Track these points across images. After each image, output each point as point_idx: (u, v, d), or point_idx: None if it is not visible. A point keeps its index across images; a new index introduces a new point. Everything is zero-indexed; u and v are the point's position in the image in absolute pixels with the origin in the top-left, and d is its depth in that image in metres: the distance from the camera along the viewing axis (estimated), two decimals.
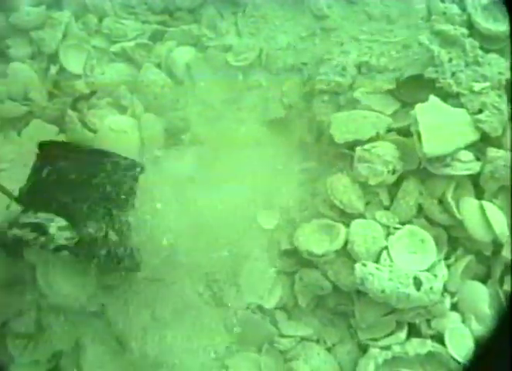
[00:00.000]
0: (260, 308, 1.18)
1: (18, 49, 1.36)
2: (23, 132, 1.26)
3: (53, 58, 1.38)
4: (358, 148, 1.20)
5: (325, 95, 1.30)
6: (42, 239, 1.15)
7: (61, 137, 1.29)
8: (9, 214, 1.17)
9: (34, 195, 1.16)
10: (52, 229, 1.16)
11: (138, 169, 1.20)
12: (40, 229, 1.15)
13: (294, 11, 1.39)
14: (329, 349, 1.19)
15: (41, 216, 1.16)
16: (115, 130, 1.28)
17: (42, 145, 1.15)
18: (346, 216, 1.19)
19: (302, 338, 1.18)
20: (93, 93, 1.26)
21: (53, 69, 1.35)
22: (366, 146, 1.19)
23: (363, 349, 1.17)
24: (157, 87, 1.33)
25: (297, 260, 1.20)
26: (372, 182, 1.17)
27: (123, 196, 1.20)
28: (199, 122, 1.33)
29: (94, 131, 1.26)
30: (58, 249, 1.13)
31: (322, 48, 1.37)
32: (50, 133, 1.28)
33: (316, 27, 1.39)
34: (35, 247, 1.15)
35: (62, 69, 1.37)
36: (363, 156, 1.19)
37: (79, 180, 1.18)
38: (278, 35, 1.39)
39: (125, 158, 1.18)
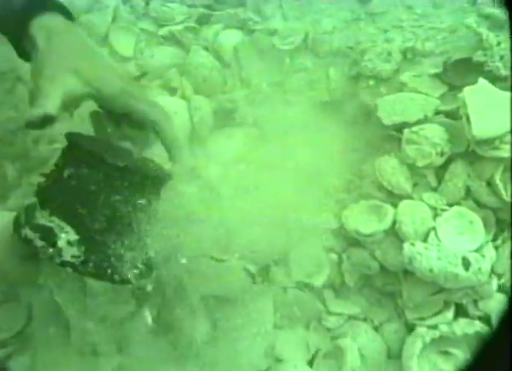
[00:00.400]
0: (308, 286, 1.20)
1: None
2: (75, 113, 1.29)
3: (103, 41, 1.40)
4: (406, 130, 1.22)
5: (371, 80, 1.32)
6: (50, 250, 1.05)
7: None
8: None
9: (51, 195, 1.06)
10: (61, 242, 1.06)
11: (164, 183, 1.07)
12: (50, 238, 1.05)
13: None
14: (376, 328, 1.22)
15: (54, 221, 1.06)
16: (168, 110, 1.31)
17: (69, 136, 1.03)
18: (393, 197, 1.21)
19: (350, 317, 1.20)
20: (143, 74, 1.29)
21: (104, 52, 1.36)
22: (414, 128, 1.21)
23: (410, 328, 1.19)
24: (205, 70, 1.35)
25: (345, 239, 1.22)
26: (420, 164, 1.20)
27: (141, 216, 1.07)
28: (246, 104, 1.34)
29: None
30: (63, 264, 1.03)
31: (367, 32, 1.38)
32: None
33: (361, 11, 1.41)
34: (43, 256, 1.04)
35: (112, 52, 1.38)
36: (411, 138, 1.21)
37: (98, 194, 1.05)
38: (323, 19, 1.41)
39: (155, 170, 1.05)
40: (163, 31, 1.41)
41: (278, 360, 1.14)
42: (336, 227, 1.21)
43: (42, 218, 1.06)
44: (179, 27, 1.40)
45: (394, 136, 1.23)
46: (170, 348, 1.18)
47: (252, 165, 1.28)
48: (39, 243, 1.03)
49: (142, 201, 1.07)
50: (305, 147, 1.30)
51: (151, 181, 1.06)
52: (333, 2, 1.37)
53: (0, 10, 1.02)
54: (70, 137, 1.04)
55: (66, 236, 1.05)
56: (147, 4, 1.42)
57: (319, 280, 1.19)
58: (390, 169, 1.19)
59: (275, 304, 1.17)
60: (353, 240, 1.20)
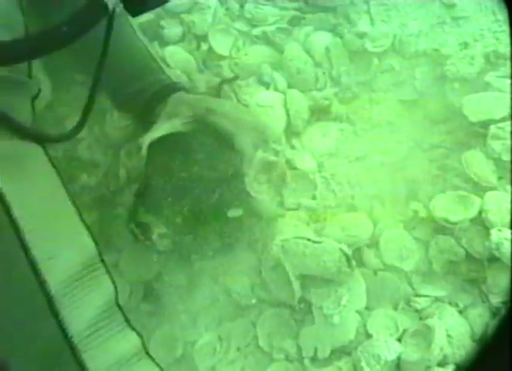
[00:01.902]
0: (397, 269, 1.35)
1: (171, 29, 1.56)
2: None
3: (202, 39, 1.58)
4: (492, 126, 1.37)
5: (456, 81, 1.47)
6: (148, 243, 1.32)
7: None
8: None
9: (147, 196, 1.28)
10: (155, 236, 1.32)
11: None
12: (147, 232, 1.31)
13: None
14: (460, 312, 1.35)
15: (150, 219, 1.32)
16: (263, 105, 1.47)
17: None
18: (479, 189, 1.35)
19: (436, 299, 1.34)
20: (235, 77, 1.46)
21: (203, 49, 1.54)
22: (500, 124, 1.36)
23: (494, 313, 1.33)
24: (299, 63, 1.50)
25: (433, 227, 1.36)
26: (505, 158, 1.34)
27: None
28: (338, 101, 1.51)
29: (247, 106, 1.45)
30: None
31: (451, 36, 1.54)
32: None
33: (446, 15, 1.56)
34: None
35: (210, 50, 1.56)
36: (497, 134, 1.36)
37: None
38: (409, 23, 1.56)
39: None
40: (257, 31, 1.57)
41: (369, 336, 1.28)
42: (424, 216, 1.35)
43: (144, 217, 1.28)
44: (272, 28, 1.56)
45: (479, 132, 1.37)
46: None
47: (344, 158, 1.43)
48: (141, 237, 1.29)
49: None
50: (392, 142, 1.45)
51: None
52: (419, 6, 1.52)
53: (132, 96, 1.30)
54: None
55: (158, 229, 1.29)
56: (242, 6, 1.58)
57: (408, 265, 1.33)
58: (477, 162, 1.33)
59: (366, 284, 1.31)
60: (440, 228, 1.33)
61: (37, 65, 1.17)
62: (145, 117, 1.29)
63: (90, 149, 1.47)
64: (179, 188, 1.25)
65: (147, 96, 1.28)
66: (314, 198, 1.36)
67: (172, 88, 1.29)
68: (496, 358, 0.80)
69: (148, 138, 1.16)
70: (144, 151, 1.18)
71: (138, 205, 1.30)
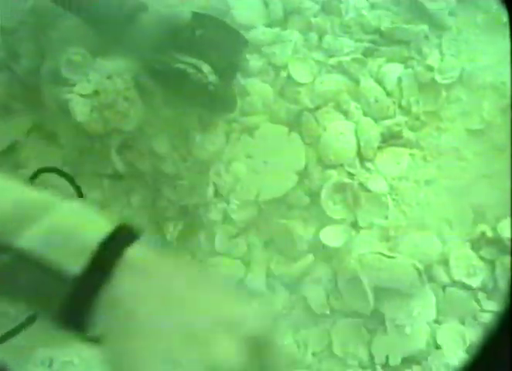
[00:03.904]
0: (465, 286, 1.54)
1: (253, 61, 1.78)
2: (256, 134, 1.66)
3: (281, 69, 1.80)
4: None
5: None
6: (199, 75, 1.54)
7: (292, 136, 1.70)
8: None
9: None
10: (205, 68, 1.55)
11: None
12: (197, 67, 1.54)
13: (495, 35, 1.75)
14: None
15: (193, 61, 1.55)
16: (336, 132, 1.69)
17: None
18: None
19: None
20: (317, 107, 1.67)
21: (282, 77, 1.76)
22: None
23: None
24: (373, 93, 1.71)
25: (499, 248, 1.55)
26: None
27: None
28: (407, 129, 1.72)
29: (324, 129, 1.66)
30: None
31: None
32: (281, 133, 1.69)
33: None
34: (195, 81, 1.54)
35: (288, 78, 1.78)
36: None
37: None
38: (477, 57, 1.76)
39: None
40: (333, 61, 1.76)
41: (438, 346, 1.47)
42: (490, 236, 1.54)
43: (188, 59, 1.60)
44: (347, 58, 1.75)
45: None
46: None
47: (413, 182, 1.64)
48: (191, 69, 1.57)
49: None
50: (458, 168, 1.65)
51: None
52: (489, 42, 1.71)
53: None
54: None
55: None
56: (320, 38, 1.79)
57: (475, 282, 1.51)
58: None
59: (436, 299, 1.50)
60: (505, 249, 1.53)
61: None
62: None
63: (176, 165, 1.68)
64: None
65: None
66: (386, 218, 1.54)
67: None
68: (496, 358, 0.82)
69: None
70: None
71: None
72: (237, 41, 1.63)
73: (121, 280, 0.64)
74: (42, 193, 0.71)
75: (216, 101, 1.54)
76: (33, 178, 1.46)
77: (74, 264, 0.63)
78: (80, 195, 1.45)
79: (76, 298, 0.63)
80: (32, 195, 0.69)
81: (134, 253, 0.67)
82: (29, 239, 0.64)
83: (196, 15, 1.51)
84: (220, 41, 1.54)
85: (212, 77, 1.46)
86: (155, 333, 0.63)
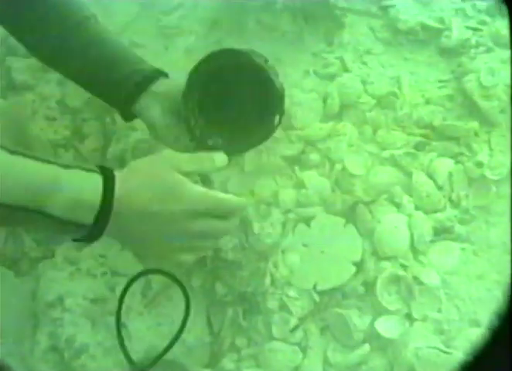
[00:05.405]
0: None
1: (309, 155, 1.93)
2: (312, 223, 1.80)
3: (336, 162, 1.95)
4: None
5: None
6: None
7: (349, 227, 1.85)
8: None
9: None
10: None
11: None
12: None
13: None
14: None
15: None
16: (390, 225, 1.84)
17: None
18: None
19: None
20: (372, 201, 1.81)
21: (337, 170, 1.91)
22: None
23: None
24: (425, 188, 1.85)
25: None
26: None
27: None
28: (458, 223, 1.86)
29: (379, 222, 1.80)
30: None
31: None
32: (337, 224, 1.83)
33: None
34: None
35: (343, 170, 1.93)
36: None
37: None
38: None
39: None
40: (386, 154, 1.92)
41: None
42: None
43: None
44: (400, 152, 1.91)
45: None
46: None
47: (465, 276, 1.78)
48: None
49: None
50: (508, 262, 1.79)
51: None
52: None
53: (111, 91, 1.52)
54: None
55: None
56: (374, 131, 1.95)
57: None
58: None
59: None
60: None
61: None
62: (128, 110, 1.43)
63: (235, 252, 1.82)
64: None
65: (128, 87, 1.39)
66: (439, 311, 1.66)
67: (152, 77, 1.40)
68: (496, 357, 0.88)
69: None
70: None
71: None
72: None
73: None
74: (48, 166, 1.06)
75: None
76: (135, 279, 1.60)
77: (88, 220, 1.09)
78: (186, 296, 1.62)
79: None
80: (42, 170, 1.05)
81: None
82: (53, 209, 1.04)
83: None
84: None
85: None
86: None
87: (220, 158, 1.24)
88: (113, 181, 1.05)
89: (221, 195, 1.18)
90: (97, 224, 1.07)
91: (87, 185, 1.05)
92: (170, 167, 1.11)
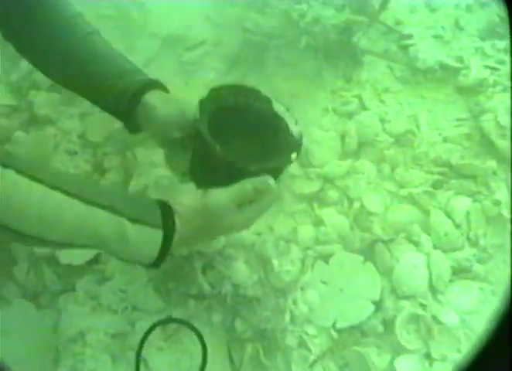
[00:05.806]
0: None
1: (327, 193, 1.97)
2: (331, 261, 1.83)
3: (354, 199, 1.99)
4: None
5: None
6: None
7: (367, 265, 1.88)
8: None
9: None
10: None
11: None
12: None
13: None
14: None
15: None
16: (408, 264, 1.86)
17: None
18: None
19: None
20: (390, 240, 1.84)
21: (355, 207, 1.94)
22: None
23: None
24: (442, 226, 1.88)
25: None
26: None
27: None
28: (475, 261, 1.89)
29: (397, 260, 1.83)
30: None
31: None
32: (356, 261, 1.87)
33: None
34: None
35: (362, 208, 1.96)
36: None
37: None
38: None
39: None
40: (404, 192, 1.94)
41: None
42: None
43: None
44: (418, 190, 1.94)
45: None
46: None
47: (484, 316, 1.80)
48: None
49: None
50: None
51: None
52: None
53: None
54: None
55: None
56: (392, 169, 1.98)
57: None
58: None
59: None
60: None
61: None
62: (129, 122, 1.45)
63: (255, 288, 1.85)
64: None
65: (127, 97, 1.40)
66: (459, 351, 1.69)
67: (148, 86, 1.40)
68: (496, 358, 0.89)
69: None
70: None
71: None
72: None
73: None
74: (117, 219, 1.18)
75: None
76: (153, 328, 1.63)
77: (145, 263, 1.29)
78: (203, 344, 1.64)
79: None
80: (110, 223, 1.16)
81: None
82: (115, 253, 1.25)
83: None
84: None
85: None
86: None
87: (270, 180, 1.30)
88: (172, 235, 1.22)
89: (241, 185, 1.29)
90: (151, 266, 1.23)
91: (149, 243, 1.19)
92: (221, 214, 1.29)
